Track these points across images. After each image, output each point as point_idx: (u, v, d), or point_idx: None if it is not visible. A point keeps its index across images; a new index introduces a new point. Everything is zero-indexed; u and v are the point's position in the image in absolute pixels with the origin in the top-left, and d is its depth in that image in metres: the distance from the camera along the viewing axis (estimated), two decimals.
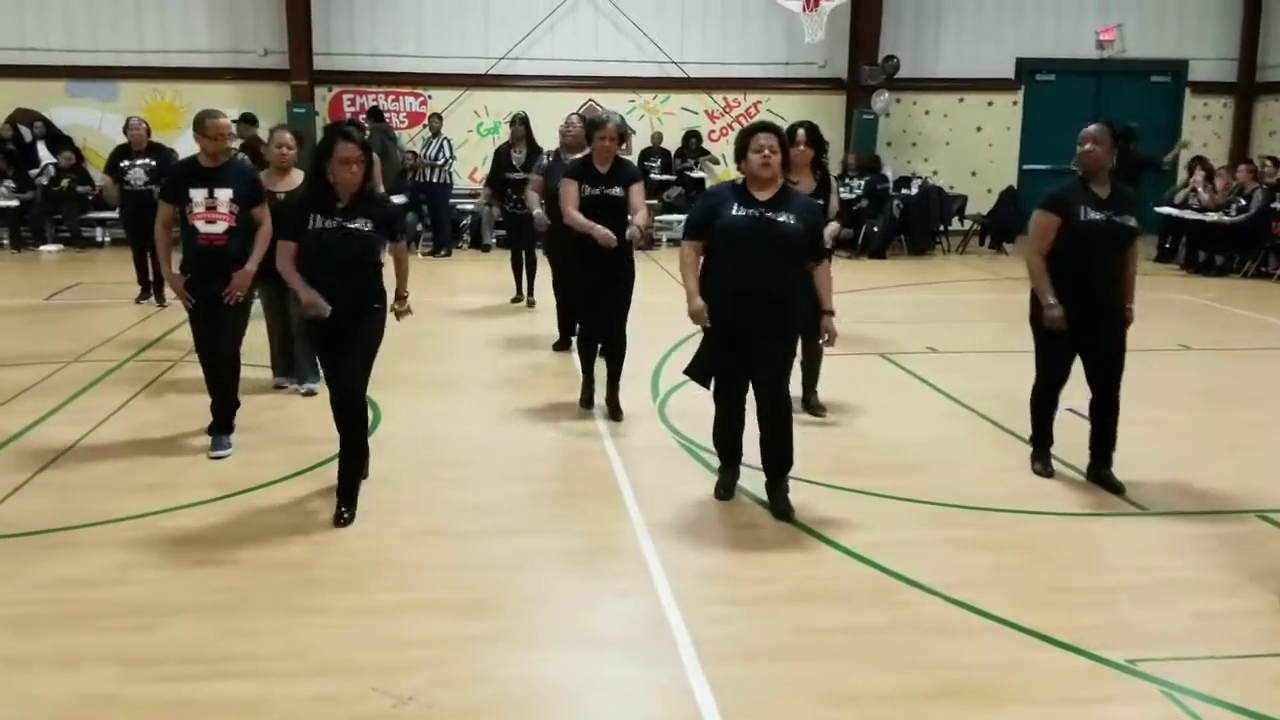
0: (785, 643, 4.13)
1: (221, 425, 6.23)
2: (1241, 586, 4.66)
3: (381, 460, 5.92)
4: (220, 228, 6.05)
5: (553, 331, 9.16)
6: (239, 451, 6.22)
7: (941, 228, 16.69)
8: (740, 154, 5.36)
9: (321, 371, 5.52)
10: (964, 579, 4.66)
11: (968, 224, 17.08)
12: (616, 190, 6.77)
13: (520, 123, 10.84)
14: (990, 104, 18.28)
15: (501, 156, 10.87)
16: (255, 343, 6.99)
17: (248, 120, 13.19)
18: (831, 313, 5.47)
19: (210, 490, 5.64)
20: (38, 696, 3.71)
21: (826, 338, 5.53)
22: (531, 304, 11.00)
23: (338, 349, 5.20)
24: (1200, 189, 15.10)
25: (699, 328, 5.41)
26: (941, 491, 5.76)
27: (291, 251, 5.27)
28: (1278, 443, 6.84)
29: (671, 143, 17.45)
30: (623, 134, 6.96)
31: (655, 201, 15.70)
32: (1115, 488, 5.79)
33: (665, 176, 16.93)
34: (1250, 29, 18.33)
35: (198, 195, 6.04)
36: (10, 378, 7.86)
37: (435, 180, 15.41)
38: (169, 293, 7.42)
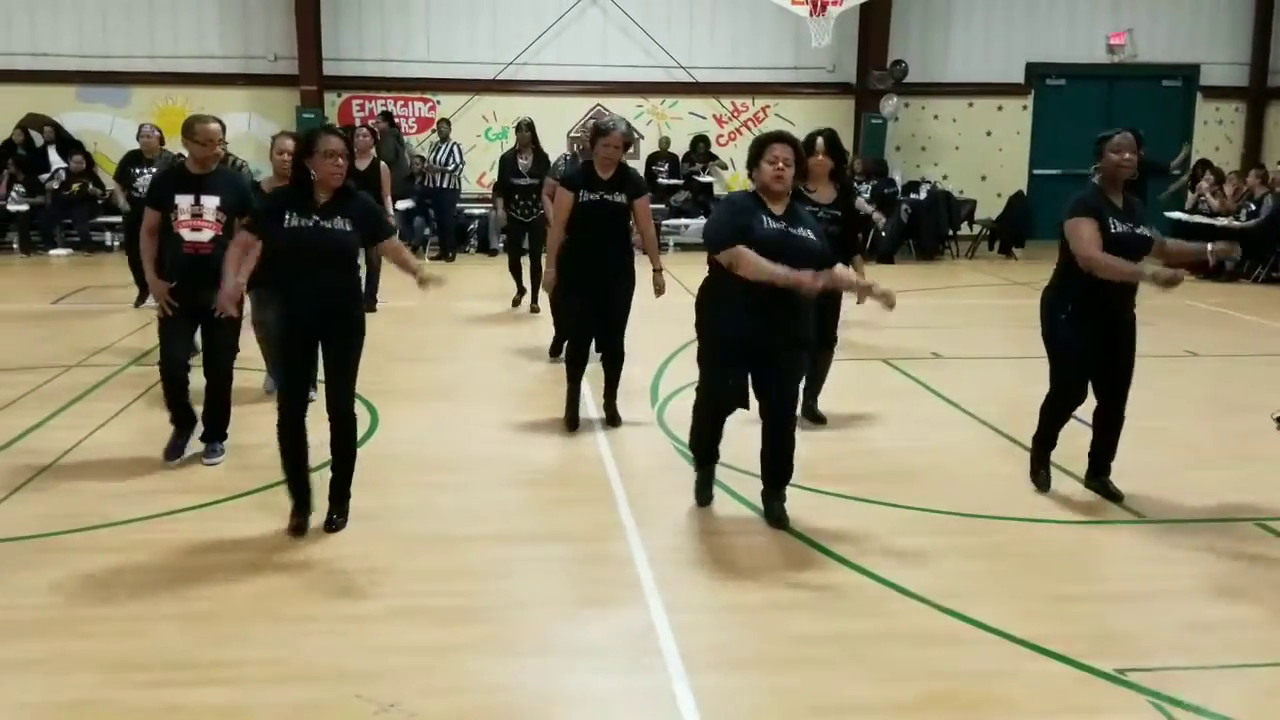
0: (773, 652, 4.11)
1: (214, 433, 6.22)
2: (1235, 596, 4.62)
3: (377, 466, 5.92)
4: (206, 236, 5.93)
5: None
6: (231, 457, 6.22)
7: (951, 233, 16.65)
8: (753, 162, 5.23)
9: (273, 379, 5.33)
10: (956, 587, 4.64)
11: (977, 229, 17.03)
12: (619, 197, 6.74)
13: (526, 128, 10.82)
14: (1000, 108, 18.21)
15: (507, 162, 10.83)
16: (247, 353, 7.01)
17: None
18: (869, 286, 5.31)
19: (202, 496, 5.65)
20: (24, 702, 3.72)
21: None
22: (535, 310, 11.00)
23: (308, 362, 5.13)
24: (1209, 195, 15.02)
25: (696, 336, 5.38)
26: (938, 499, 5.74)
27: (244, 243, 5.20)
28: None
29: (679, 147, 17.43)
30: (628, 142, 6.95)
31: (663, 206, 15.71)
32: (1114, 495, 5.75)
33: (673, 181, 16.91)
34: (1262, 33, 18.23)
35: (183, 202, 5.92)
36: (13, 381, 7.90)
37: (446, 186, 15.41)
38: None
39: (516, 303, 11.26)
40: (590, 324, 6.92)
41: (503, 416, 7.23)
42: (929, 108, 18.12)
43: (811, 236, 5.14)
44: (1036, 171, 18.06)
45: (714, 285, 5.26)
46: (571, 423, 6.95)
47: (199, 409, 6.23)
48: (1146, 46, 17.70)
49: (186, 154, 6.16)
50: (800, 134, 6.05)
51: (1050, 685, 3.88)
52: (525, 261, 10.97)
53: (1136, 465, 5.99)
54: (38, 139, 16.33)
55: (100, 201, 15.53)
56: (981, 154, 18.21)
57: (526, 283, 11.13)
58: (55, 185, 15.50)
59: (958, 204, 16.86)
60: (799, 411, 6.68)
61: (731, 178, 17.09)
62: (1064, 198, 5.66)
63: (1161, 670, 3.95)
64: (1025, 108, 18.28)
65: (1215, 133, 18.45)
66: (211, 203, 5.95)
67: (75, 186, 15.38)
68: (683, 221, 16.39)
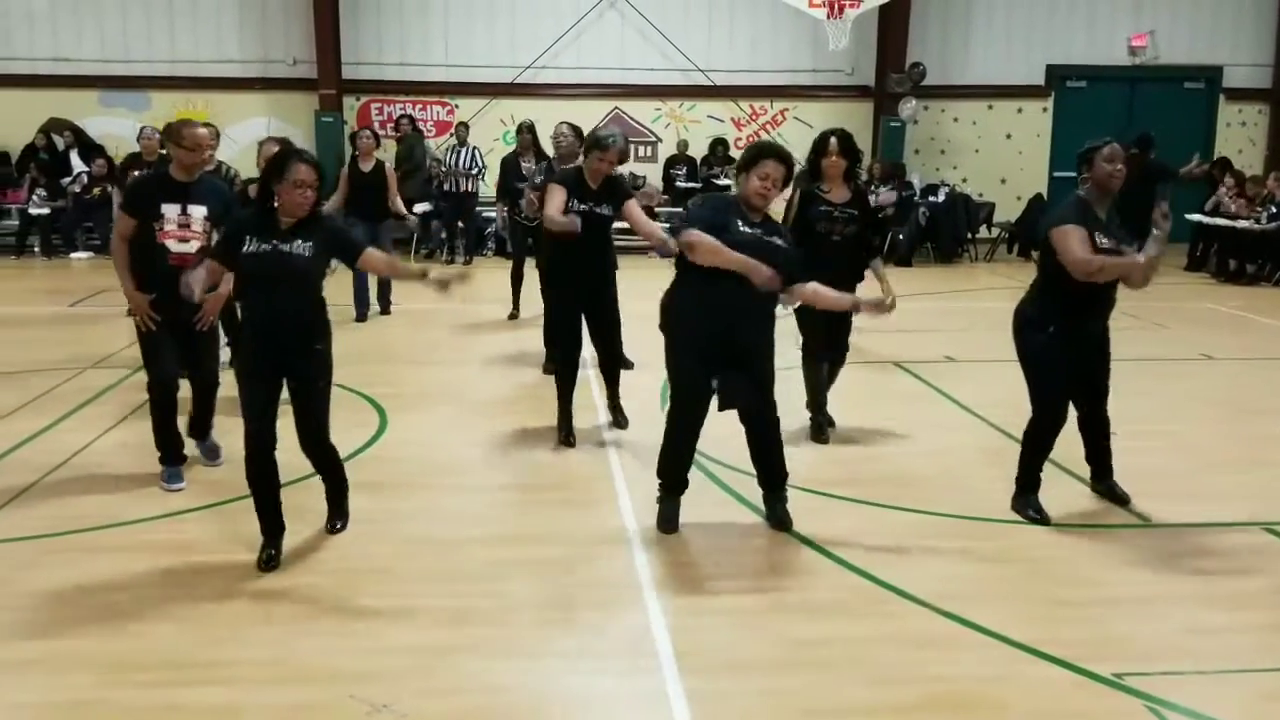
0: (770, 654, 4.11)
1: (202, 430, 6.16)
2: (1236, 600, 4.59)
3: (381, 469, 5.95)
4: (193, 247, 5.60)
5: None
6: (232, 459, 6.21)
7: (969, 236, 16.57)
8: (743, 168, 5.19)
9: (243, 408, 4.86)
10: (957, 591, 4.62)
11: (995, 232, 16.94)
12: (605, 209, 6.64)
13: (528, 131, 10.82)
14: (1020, 111, 18.11)
15: (510, 165, 10.79)
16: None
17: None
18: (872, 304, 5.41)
19: (202, 498, 5.68)
20: (23, 702, 3.75)
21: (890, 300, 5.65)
22: (514, 316, 10.90)
23: (269, 398, 4.80)
24: (1228, 198, 14.91)
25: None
26: (944, 502, 5.72)
27: (213, 270, 4.89)
28: None
29: (698, 151, 17.40)
30: (623, 157, 6.90)
31: (680, 209, 15.66)
32: (1120, 499, 5.71)
33: (691, 184, 16.86)
34: None
35: (170, 211, 5.60)
36: (27, 383, 7.98)
37: (466, 189, 15.43)
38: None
39: (513, 317, 11.04)
40: (579, 334, 6.87)
41: (509, 420, 7.23)
42: (948, 110, 18.05)
43: (785, 245, 5.17)
44: (1057, 174, 17.92)
45: (679, 285, 5.24)
46: (566, 439, 6.74)
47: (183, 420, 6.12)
48: (1168, 48, 17.55)
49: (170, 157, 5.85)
50: None
51: (1048, 689, 3.86)
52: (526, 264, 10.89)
53: (1146, 469, 5.95)
54: (60, 143, 16.50)
55: None
56: (1001, 157, 18.12)
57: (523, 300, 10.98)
58: (77, 189, 15.66)
59: (976, 207, 16.78)
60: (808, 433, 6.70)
61: None
62: None
63: (1159, 675, 3.92)
64: (1045, 110, 18.17)
65: (1238, 135, 18.28)
66: (199, 212, 5.67)
67: (96, 190, 15.49)
68: None
